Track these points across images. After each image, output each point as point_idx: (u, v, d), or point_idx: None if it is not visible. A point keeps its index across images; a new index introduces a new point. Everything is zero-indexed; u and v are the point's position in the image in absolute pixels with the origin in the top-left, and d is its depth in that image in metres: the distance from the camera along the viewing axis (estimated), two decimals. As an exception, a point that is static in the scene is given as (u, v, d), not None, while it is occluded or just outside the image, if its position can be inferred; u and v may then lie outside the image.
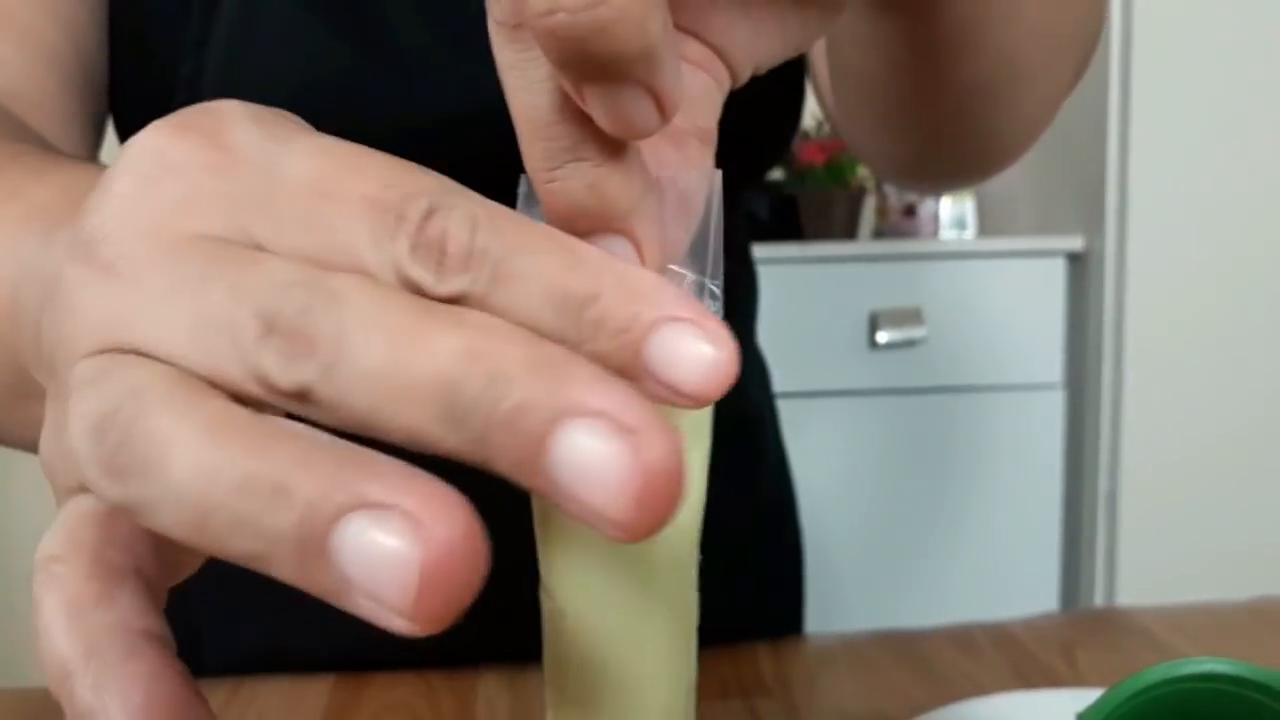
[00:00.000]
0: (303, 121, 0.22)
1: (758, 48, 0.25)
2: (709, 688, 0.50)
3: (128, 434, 0.18)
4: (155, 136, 0.21)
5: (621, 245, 0.21)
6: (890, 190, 2.02)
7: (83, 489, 0.21)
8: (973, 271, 1.76)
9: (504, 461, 0.17)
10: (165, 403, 0.18)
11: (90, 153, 0.50)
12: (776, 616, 0.69)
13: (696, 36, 0.25)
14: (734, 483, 0.22)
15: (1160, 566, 1.70)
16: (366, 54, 0.50)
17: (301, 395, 0.18)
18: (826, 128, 2.04)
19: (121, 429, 0.18)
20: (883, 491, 1.79)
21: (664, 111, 0.19)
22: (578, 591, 0.24)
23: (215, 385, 0.19)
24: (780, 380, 0.74)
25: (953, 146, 0.48)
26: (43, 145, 0.42)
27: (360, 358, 0.18)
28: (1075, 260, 1.77)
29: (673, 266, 0.23)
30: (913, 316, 1.74)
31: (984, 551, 1.81)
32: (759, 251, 0.73)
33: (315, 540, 0.17)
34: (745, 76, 0.26)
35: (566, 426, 0.17)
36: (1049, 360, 1.80)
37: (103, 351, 0.19)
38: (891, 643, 0.56)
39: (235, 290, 0.19)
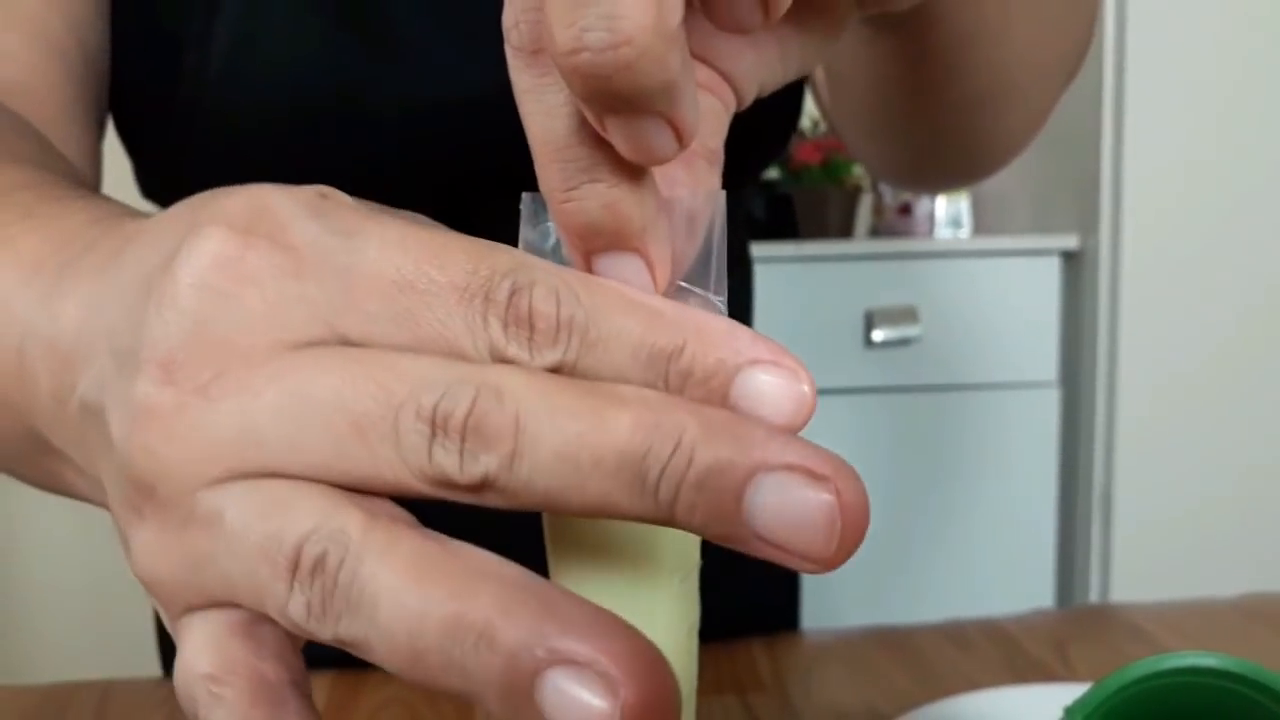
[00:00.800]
0: (345, 197, 0.22)
1: (762, 72, 0.26)
2: (705, 684, 0.51)
3: (333, 579, 0.18)
4: (218, 245, 0.20)
5: (633, 263, 0.22)
6: (886, 189, 2.03)
7: (214, 606, 0.21)
8: (968, 270, 1.77)
9: (696, 519, 0.19)
10: (363, 544, 0.19)
11: (92, 148, 0.50)
12: (773, 613, 0.69)
13: (704, 62, 0.26)
14: None
15: (1155, 563, 1.70)
16: (368, 46, 0.51)
17: (481, 487, 0.19)
18: (822, 127, 2.04)
19: (328, 574, 0.19)
20: (879, 489, 1.79)
21: (682, 140, 0.20)
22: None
23: (368, 490, 0.19)
24: (776, 378, 0.74)
25: (945, 154, 0.48)
26: (41, 149, 0.41)
27: (543, 444, 0.19)
28: (1070, 259, 1.78)
29: (680, 283, 0.23)
30: (908, 315, 1.74)
31: (980, 548, 1.81)
32: (755, 250, 0.73)
33: (521, 689, 0.17)
34: (750, 99, 0.26)
35: (762, 481, 0.18)
36: (1044, 358, 1.80)
37: (233, 478, 0.20)
38: (885, 638, 0.57)
39: (383, 394, 0.19)
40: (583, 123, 0.20)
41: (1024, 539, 1.83)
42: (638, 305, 0.20)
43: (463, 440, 0.19)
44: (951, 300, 1.75)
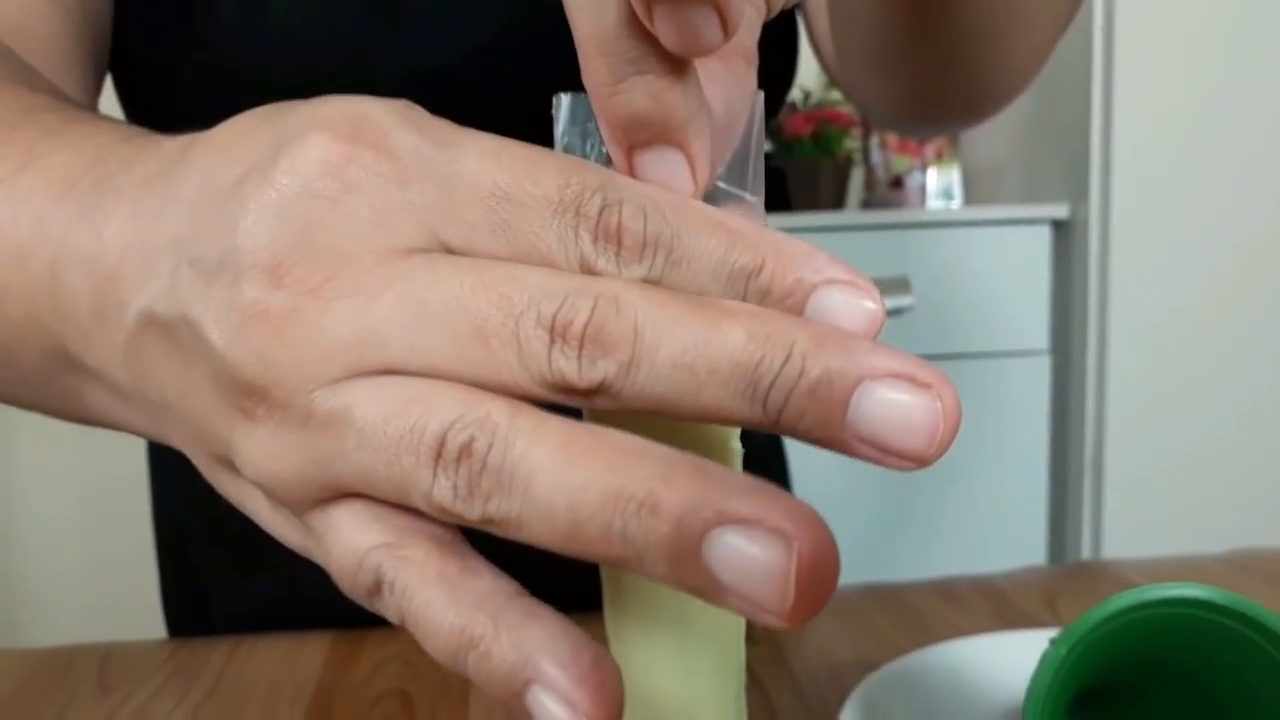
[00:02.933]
0: (437, 118, 0.22)
1: None
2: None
3: (482, 462, 0.19)
4: (323, 152, 0.21)
5: (675, 159, 0.22)
6: (877, 161, 2.03)
7: (349, 497, 0.21)
8: (959, 240, 1.77)
9: (803, 425, 0.19)
10: (511, 428, 0.19)
11: (90, 98, 0.50)
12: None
13: None
14: None
15: (1145, 526, 1.72)
16: (373, 8, 0.51)
17: (598, 391, 0.20)
18: (814, 99, 2.04)
19: (477, 458, 0.19)
20: (871, 459, 1.80)
21: (727, 28, 0.20)
22: (639, 640, 0.25)
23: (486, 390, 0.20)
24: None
25: (949, 86, 0.48)
26: (50, 89, 0.41)
27: (660, 352, 0.19)
28: (1060, 228, 1.78)
29: (719, 183, 0.24)
30: (900, 285, 1.74)
31: (972, 515, 1.83)
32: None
33: (688, 550, 0.18)
34: (778, 8, 0.27)
35: (870, 387, 0.19)
36: (1035, 327, 1.81)
37: (354, 376, 0.20)
38: (877, 594, 0.58)
39: (504, 301, 0.20)
40: (630, 17, 0.21)
41: (1017, 504, 1.84)
42: (720, 224, 0.21)
43: (581, 347, 0.19)
44: (943, 270, 1.76)
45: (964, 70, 0.47)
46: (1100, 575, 0.61)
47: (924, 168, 2.00)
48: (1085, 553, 1.77)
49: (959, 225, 1.78)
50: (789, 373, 0.19)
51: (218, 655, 0.53)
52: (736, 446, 0.25)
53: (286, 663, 0.52)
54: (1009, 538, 1.84)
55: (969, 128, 0.57)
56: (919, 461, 0.19)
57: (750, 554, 0.18)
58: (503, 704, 0.21)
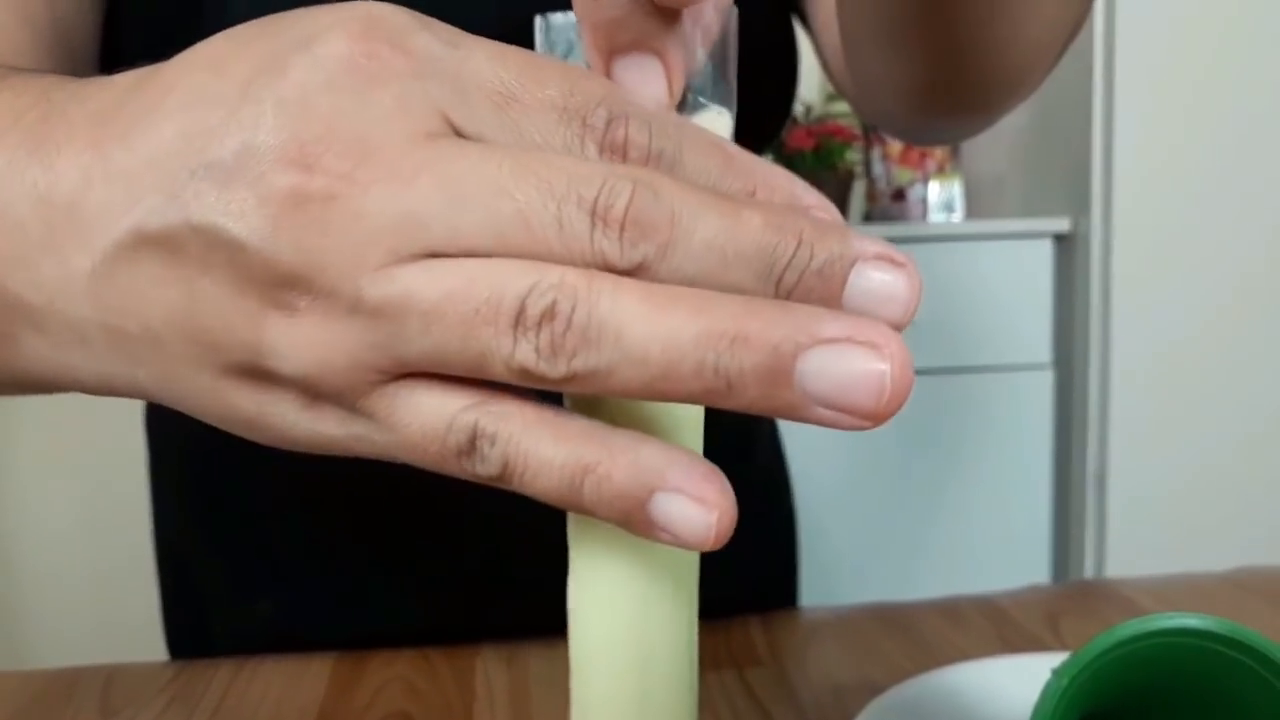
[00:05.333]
0: (442, 22, 0.23)
1: None
2: (704, 659, 0.51)
3: (566, 321, 0.20)
4: (343, 46, 0.21)
5: (651, 63, 0.23)
6: (879, 174, 2.03)
7: (403, 377, 0.22)
8: (961, 254, 1.77)
9: (810, 300, 0.21)
10: (591, 288, 0.20)
11: None
12: (771, 590, 0.70)
13: None
14: (729, 456, 0.23)
15: (1149, 542, 1.72)
16: None
17: (638, 270, 0.21)
18: (815, 113, 2.04)
19: (560, 318, 0.20)
20: (875, 471, 1.80)
21: None
22: (600, 571, 0.26)
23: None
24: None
25: (958, 73, 0.48)
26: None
27: (695, 235, 0.21)
28: (1062, 242, 1.79)
29: (692, 94, 0.25)
30: (902, 299, 1.75)
31: (976, 529, 1.82)
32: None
33: (781, 373, 0.20)
34: None
35: (862, 267, 0.21)
36: (1037, 340, 1.81)
37: (399, 261, 0.21)
38: (880, 614, 0.58)
39: (545, 185, 0.21)
40: None
41: (1019, 519, 1.84)
42: (716, 146, 0.23)
43: (622, 230, 0.20)
44: (945, 284, 1.76)
45: (972, 52, 0.47)
46: (1103, 595, 0.61)
47: (926, 180, 2.00)
48: (1089, 566, 1.77)
49: (962, 239, 1.78)
50: (801, 255, 0.21)
51: (220, 678, 0.53)
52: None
53: (289, 685, 0.52)
54: (1012, 551, 1.84)
55: (981, 125, 0.56)
56: (898, 326, 0.21)
57: (846, 365, 0.20)
58: (625, 522, 0.22)
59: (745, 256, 0.21)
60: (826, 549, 1.77)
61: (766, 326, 0.20)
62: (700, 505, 0.21)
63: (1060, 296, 1.80)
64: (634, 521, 0.22)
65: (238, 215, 0.21)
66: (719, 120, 0.26)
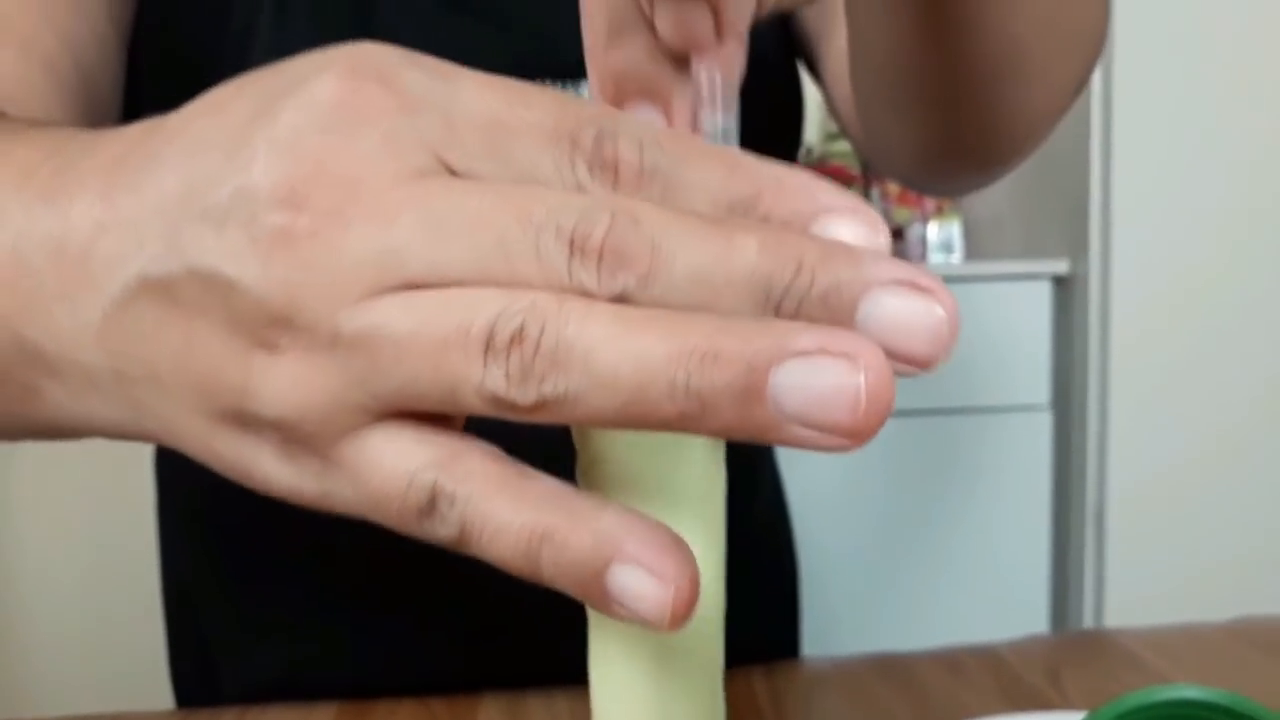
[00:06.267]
0: (433, 58, 0.23)
1: None
2: (705, 712, 0.51)
3: (534, 345, 0.20)
4: (331, 88, 0.21)
5: (656, 115, 0.24)
6: (878, 213, 2.04)
7: (383, 419, 0.22)
8: (960, 295, 1.77)
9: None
10: (561, 311, 0.20)
11: None
12: (773, 640, 0.70)
13: None
14: (732, 508, 0.23)
15: (1148, 584, 1.71)
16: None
17: (617, 301, 0.20)
18: (815, 153, 2.06)
19: (529, 341, 0.20)
20: (874, 513, 1.80)
21: (721, 27, 0.22)
22: (620, 669, 0.25)
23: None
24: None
25: (966, 132, 0.49)
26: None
27: (678, 265, 0.20)
28: (1060, 283, 1.80)
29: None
30: (901, 339, 1.75)
31: (975, 571, 1.82)
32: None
33: (754, 390, 0.19)
34: (768, 6, 0.27)
35: (877, 293, 0.19)
36: (1036, 382, 1.81)
37: (379, 293, 0.21)
38: (882, 666, 0.58)
39: (523, 215, 0.20)
40: None
41: (1018, 560, 1.83)
42: (717, 155, 0.22)
43: (600, 260, 0.20)
44: (944, 324, 1.76)
45: (984, 112, 0.47)
46: (1103, 646, 0.61)
47: (925, 220, 2.01)
48: (1088, 608, 1.76)
49: (960, 280, 1.79)
50: (800, 283, 0.20)
51: (224, 727, 0.53)
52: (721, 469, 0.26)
53: (293, 735, 0.52)
54: (1011, 592, 1.83)
55: (986, 181, 0.57)
56: (922, 364, 0.20)
57: (819, 379, 0.19)
58: (583, 594, 0.21)
59: (736, 285, 0.20)
60: (823, 591, 1.77)
61: (739, 342, 0.19)
62: (656, 580, 0.20)
63: (1059, 338, 1.81)
64: (591, 593, 0.21)
65: (231, 256, 0.21)
66: None
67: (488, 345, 0.20)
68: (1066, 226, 1.78)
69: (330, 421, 0.22)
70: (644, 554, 0.20)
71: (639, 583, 0.20)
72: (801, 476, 1.66)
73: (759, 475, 0.70)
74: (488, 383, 0.20)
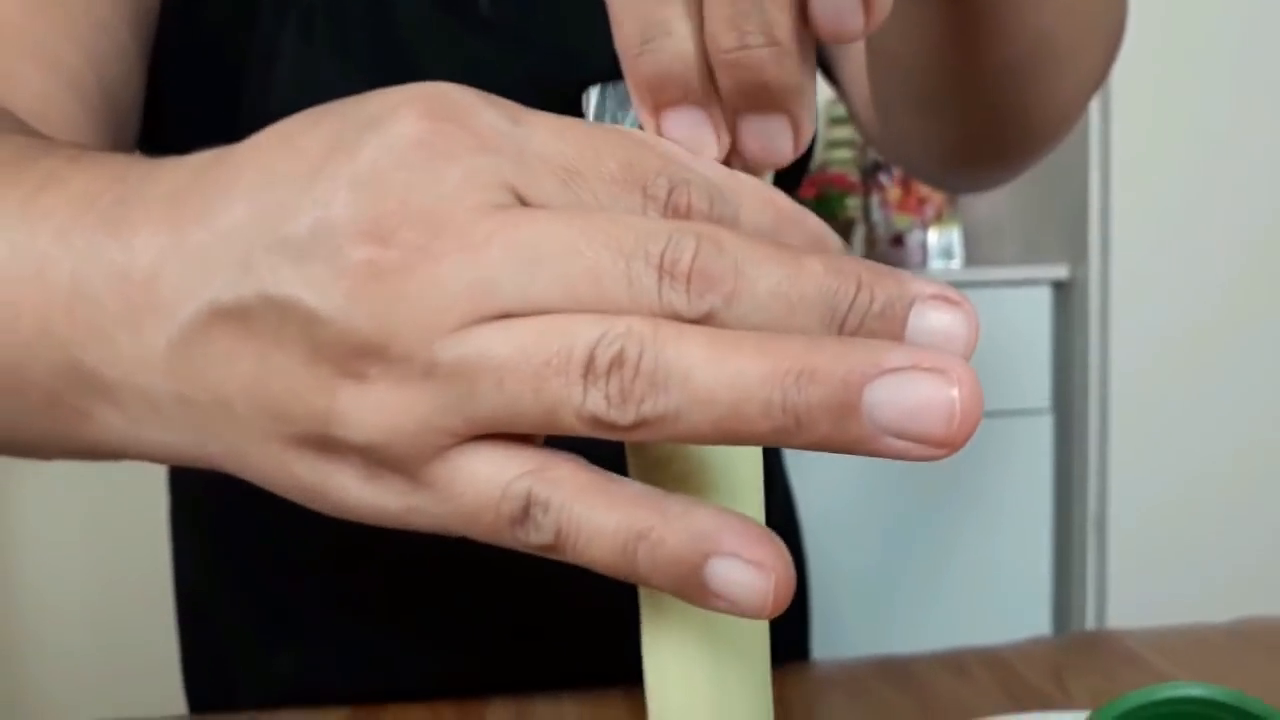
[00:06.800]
0: (505, 99, 0.24)
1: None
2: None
3: (634, 368, 0.21)
4: (413, 126, 0.22)
5: (697, 116, 0.25)
6: (878, 219, 2.05)
7: (465, 443, 0.23)
8: (960, 300, 1.78)
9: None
10: (658, 335, 0.21)
11: None
12: (783, 643, 0.71)
13: None
14: None
15: (1149, 587, 1.71)
16: None
17: (704, 321, 0.21)
18: (816, 161, 2.06)
19: (629, 365, 0.21)
20: (878, 518, 1.80)
21: (798, 142, 0.23)
22: (675, 653, 0.26)
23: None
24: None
25: (992, 128, 0.49)
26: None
27: (760, 285, 0.21)
28: (1060, 288, 1.80)
29: None
30: (902, 345, 1.76)
31: (977, 575, 1.82)
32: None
33: (850, 405, 0.20)
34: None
35: (920, 307, 0.22)
36: (1036, 386, 1.82)
37: (473, 323, 0.21)
38: (887, 668, 0.58)
39: (614, 243, 0.21)
40: None
41: (1020, 564, 1.84)
42: (769, 201, 0.24)
43: (689, 282, 0.21)
44: (945, 330, 1.77)
45: (1015, 108, 0.48)
46: (1106, 647, 0.61)
47: (924, 227, 2.02)
48: (1089, 611, 1.76)
49: (961, 285, 1.79)
50: (862, 299, 0.21)
51: (237, 732, 0.53)
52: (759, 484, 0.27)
53: (305, 740, 0.52)
54: (1013, 595, 1.83)
55: (1011, 176, 0.57)
56: (956, 382, 0.21)
57: (914, 393, 0.20)
58: (680, 590, 0.22)
59: (809, 302, 0.21)
60: (829, 594, 1.77)
61: (832, 361, 0.20)
62: (757, 570, 0.21)
63: (1059, 342, 1.81)
64: (689, 588, 0.22)
65: (315, 288, 0.22)
66: None
67: (587, 368, 0.21)
68: (1066, 232, 1.79)
69: (421, 444, 0.22)
70: (742, 547, 0.22)
71: (740, 574, 0.22)
72: (808, 484, 1.66)
73: (771, 481, 0.70)
74: (589, 405, 0.21)
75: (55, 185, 0.26)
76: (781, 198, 0.24)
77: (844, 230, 2.02)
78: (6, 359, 0.26)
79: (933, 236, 2.00)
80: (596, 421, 0.21)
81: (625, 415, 0.21)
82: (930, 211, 2.01)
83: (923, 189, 2.01)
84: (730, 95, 0.24)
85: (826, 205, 1.99)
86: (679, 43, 0.23)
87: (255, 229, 0.22)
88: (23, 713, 1.92)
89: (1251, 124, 1.66)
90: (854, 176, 2.05)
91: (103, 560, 1.91)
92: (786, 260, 0.22)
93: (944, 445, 0.20)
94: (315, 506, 0.25)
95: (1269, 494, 1.71)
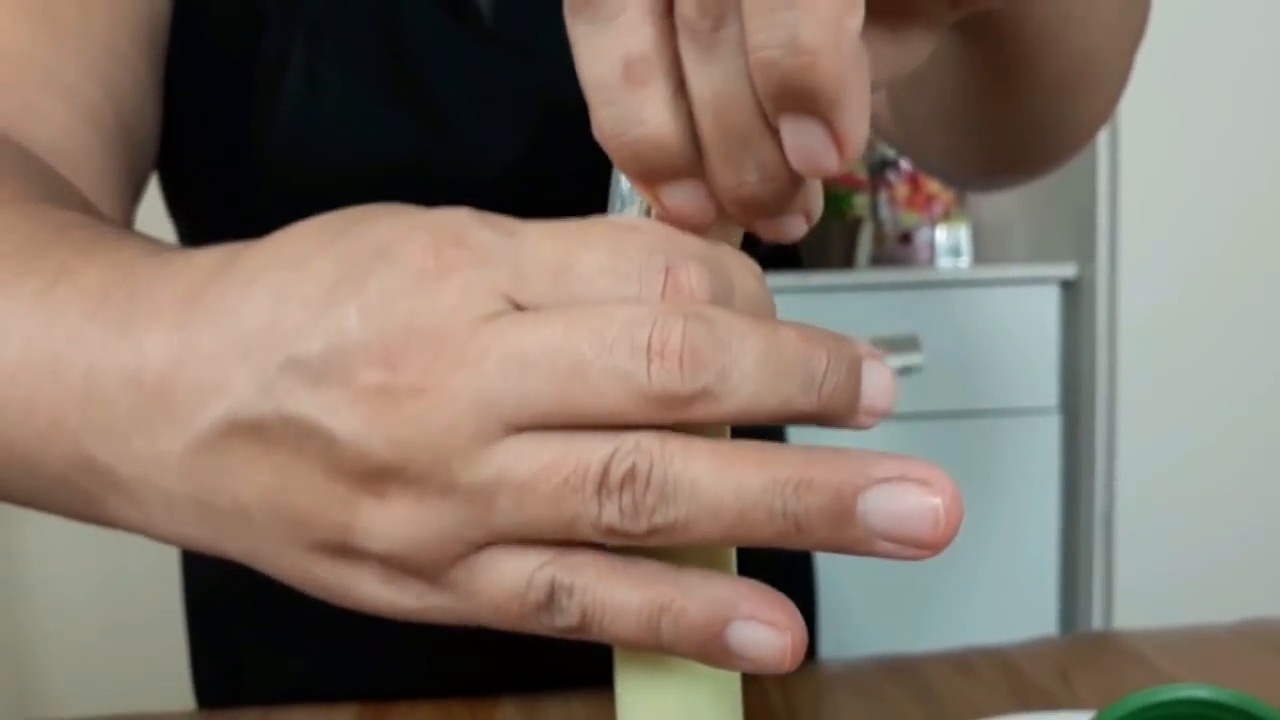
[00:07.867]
0: (498, 215, 0.25)
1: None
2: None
3: (645, 482, 0.22)
4: (417, 256, 0.23)
5: (697, 188, 0.25)
6: (886, 217, 2.05)
7: (484, 547, 0.24)
8: (969, 299, 1.78)
9: (838, 404, 0.24)
10: (665, 449, 0.22)
11: (125, 215, 0.50)
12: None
13: None
14: None
15: (1157, 587, 1.71)
16: (418, 124, 0.53)
17: (699, 397, 0.22)
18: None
19: (640, 479, 0.22)
20: (882, 516, 1.80)
21: (843, 152, 0.23)
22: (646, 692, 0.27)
23: (592, 426, 0.22)
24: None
25: (1028, 143, 0.49)
26: (84, 206, 0.42)
27: (747, 356, 0.23)
28: (1069, 287, 1.80)
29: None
30: (910, 343, 1.76)
31: (983, 573, 1.82)
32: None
33: (846, 512, 0.22)
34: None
35: (869, 365, 0.24)
36: (1044, 385, 1.81)
37: (486, 440, 0.22)
38: (893, 667, 0.58)
39: (596, 335, 0.22)
40: (624, 72, 0.23)
41: (1027, 564, 1.83)
42: (757, 275, 0.26)
43: (681, 362, 0.22)
44: (952, 328, 1.77)
45: (1051, 123, 0.48)
46: (1112, 647, 0.61)
47: (932, 225, 2.01)
48: (1097, 611, 1.76)
49: (969, 284, 1.79)
50: (834, 364, 0.23)
51: (247, 728, 0.54)
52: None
53: (315, 737, 0.53)
54: (1020, 595, 1.83)
55: (1036, 178, 0.58)
56: (878, 417, 0.25)
57: (902, 502, 0.22)
58: (703, 654, 0.24)
59: (788, 368, 0.23)
60: (836, 594, 1.77)
61: (827, 472, 0.22)
62: (774, 630, 0.23)
63: (1067, 341, 1.81)
64: (712, 651, 0.23)
65: (331, 411, 0.22)
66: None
67: (601, 484, 0.22)
68: (1074, 230, 1.79)
69: (440, 554, 0.23)
70: (758, 610, 0.23)
71: (759, 635, 0.23)
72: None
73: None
74: (604, 517, 0.22)
75: (68, 279, 0.27)
76: (783, 325, 0.25)
77: (852, 229, 2.02)
78: (21, 450, 0.27)
79: (941, 234, 2.00)
80: (611, 531, 0.22)
81: (639, 525, 0.22)
82: (938, 209, 2.01)
83: (931, 186, 2.01)
84: (737, 215, 0.25)
85: (834, 203, 1.99)
86: (654, 130, 0.24)
87: (268, 344, 0.23)
88: (31, 706, 1.93)
89: (1260, 124, 1.66)
90: (861, 174, 2.05)
91: (111, 555, 1.91)
92: (766, 331, 0.23)
93: (929, 547, 0.22)
94: (335, 602, 0.26)
95: (1276, 493, 1.71)
